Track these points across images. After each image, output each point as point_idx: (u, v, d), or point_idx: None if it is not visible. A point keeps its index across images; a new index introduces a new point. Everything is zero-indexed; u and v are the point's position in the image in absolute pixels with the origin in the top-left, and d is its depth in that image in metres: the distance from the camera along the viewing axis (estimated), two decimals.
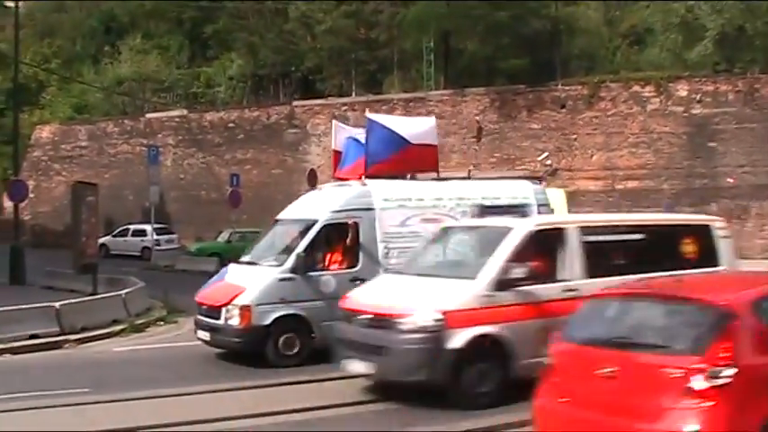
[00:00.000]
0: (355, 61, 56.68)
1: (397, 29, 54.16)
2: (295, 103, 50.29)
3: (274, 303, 16.14)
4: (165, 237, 46.04)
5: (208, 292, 17.30)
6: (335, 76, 57.36)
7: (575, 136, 42.18)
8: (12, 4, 48.65)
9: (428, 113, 44.55)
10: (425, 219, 17.30)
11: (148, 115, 54.82)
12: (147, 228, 44.97)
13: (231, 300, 16.26)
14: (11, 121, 44.28)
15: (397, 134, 19.45)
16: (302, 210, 18.41)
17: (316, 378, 14.53)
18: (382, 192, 17.47)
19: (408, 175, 19.75)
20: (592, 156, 41.83)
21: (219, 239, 43.44)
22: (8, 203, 43.85)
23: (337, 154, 21.08)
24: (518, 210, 16.48)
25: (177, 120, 53.17)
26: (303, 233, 17.03)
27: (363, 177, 18.14)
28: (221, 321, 16.33)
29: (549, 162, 42.30)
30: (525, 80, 45.47)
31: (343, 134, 21.06)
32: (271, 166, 49.04)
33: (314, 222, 16.99)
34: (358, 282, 15.66)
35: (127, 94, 59.49)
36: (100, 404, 13.06)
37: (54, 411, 12.56)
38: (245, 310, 16.01)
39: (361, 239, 16.96)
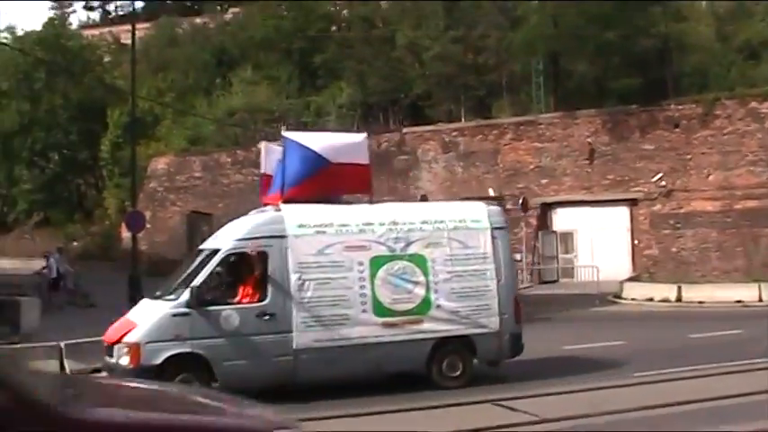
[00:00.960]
0: (464, 86, 56.59)
1: (505, 52, 53.87)
2: (405, 129, 50.36)
3: (167, 341, 14.80)
4: None
5: (110, 329, 15.99)
6: (444, 101, 57.35)
7: (689, 156, 41.22)
8: (128, 42, 50.09)
9: (539, 137, 44.28)
10: (349, 246, 15.88)
11: (260, 145, 55.46)
12: None
13: (122, 337, 15.14)
14: (128, 153, 45.36)
15: (316, 153, 17.37)
16: (213, 238, 17.15)
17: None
18: (297, 217, 16.02)
19: (343, 198, 18.06)
20: (708, 175, 40.80)
21: None
22: (126, 234, 44.82)
23: (268, 178, 18.96)
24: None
25: None
26: (203, 264, 15.73)
27: (281, 203, 16.61)
28: (114, 360, 15.15)
29: (663, 183, 41.40)
30: (637, 100, 44.73)
31: (273, 156, 18.88)
32: (382, 193, 48.70)
33: (215, 252, 15.80)
34: (266, 317, 15.12)
35: (239, 125, 60.41)
36: None
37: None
38: (133, 348, 14.81)
39: (270, 270, 15.51)
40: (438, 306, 16.23)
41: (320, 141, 18.00)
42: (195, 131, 63.57)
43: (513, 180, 44.92)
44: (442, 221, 16.74)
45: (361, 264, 15.86)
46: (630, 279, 37.07)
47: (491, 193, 44.71)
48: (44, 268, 35.68)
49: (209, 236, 27.41)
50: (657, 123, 42.10)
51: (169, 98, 67.06)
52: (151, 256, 52.88)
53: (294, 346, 15.34)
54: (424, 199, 40.41)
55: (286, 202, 16.59)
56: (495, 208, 18.06)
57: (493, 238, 16.83)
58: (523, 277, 42.15)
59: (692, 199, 40.66)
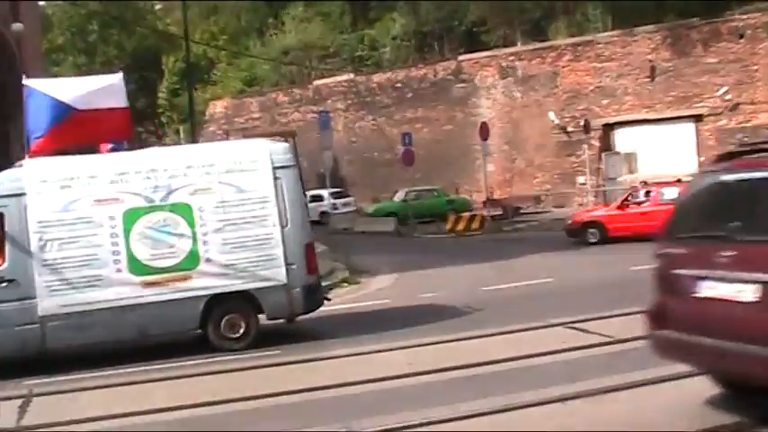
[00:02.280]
0: (519, 10, 55.50)
1: None
2: (461, 57, 49.75)
3: None
4: (342, 200, 46.55)
5: None
6: (500, 26, 56.35)
7: (756, 67, 40.05)
8: None
9: (597, 57, 43.44)
10: (99, 200, 14.33)
11: (316, 82, 55.40)
12: (324, 192, 45.49)
13: None
14: (186, 99, 45.51)
15: (58, 101, 15.89)
16: None
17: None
18: (39, 172, 14.48)
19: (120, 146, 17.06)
20: None
21: (395, 199, 43.68)
22: None
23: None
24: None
25: (345, 84, 53.52)
26: None
27: (28, 157, 15.23)
28: None
29: (728, 97, 40.40)
30: (698, 12, 43.42)
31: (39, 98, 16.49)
32: (441, 122, 48.77)
33: None
34: (4, 283, 14.00)
35: (293, 63, 60.23)
36: (291, 365, 13.16)
37: (250, 372, 12.77)
38: None
39: (7, 232, 14.15)
40: (208, 260, 14.60)
41: (65, 88, 16.72)
42: (250, 73, 63.60)
43: (574, 102, 44.25)
44: (211, 165, 14.94)
45: (112, 218, 14.32)
46: None
47: (551, 116, 44.14)
48: None
49: None
50: (720, 35, 40.92)
51: (223, 41, 67.00)
52: None
53: (39, 313, 14.06)
54: (484, 127, 39.90)
55: (35, 155, 15.40)
56: (280, 145, 16.05)
57: (275, 178, 14.94)
58: (588, 199, 41.76)
59: (760, 112, 39.61)
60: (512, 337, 13.91)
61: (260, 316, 15.21)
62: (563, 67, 44.74)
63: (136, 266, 14.36)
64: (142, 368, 13.77)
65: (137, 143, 71.26)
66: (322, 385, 11.36)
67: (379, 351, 13.52)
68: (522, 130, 45.62)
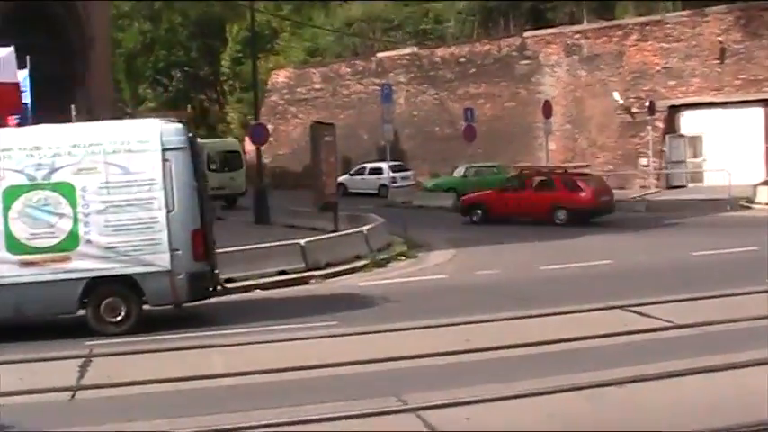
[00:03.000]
0: None
1: None
2: (526, 33, 49.23)
3: None
4: (401, 174, 46.46)
5: None
6: (566, 3, 55.70)
7: None
8: None
9: (665, 37, 42.72)
10: None
11: (379, 54, 55.21)
12: (383, 165, 45.37)
13: None
14: (248, 68, 45.61)
15: None
16: None
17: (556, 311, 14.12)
18: None
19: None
20: None
21: (455, 175, 43.48)
22: (250, 147, 45.36)
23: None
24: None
25: (408, 57, 53.28)
26: None
27: None
28: None
29: None
30: None
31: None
32: (504, 99, 48.37)
33: None
34: None
35: (357, 35, 60.10)
36: (348, 336, 13.21)
37: (309, 342, 12.85)
38: None
39: None
40: (89, 241, 14.14)
41: None
42: (314, 43, 63.53)
43: (639, 83, 43.58)
44: (98, 144, 14.33)
45: None
46: (764, 183, 35.70)
47: (616, 96, 43.57)
48: None
49: (334, 146, 27.69)
50: None
51: (286, 11, 67.03)
52: (274, 168, 53.54)
53: None
54: (547, 105, 39.52)
55: None
56: (172, 126, 15.09)
57: (164, 161, 14.31)
58: (650, 182, 41.26)
59: None
60: (569, 317, 13.84)
61: None
62: (629, 46, 44.06)
63: (13, 245, 14.09)
64: (202, 333, 13.91)
65: (199, 111, 72.20)
66: (377, 357, 11.38)
67: (437, 326, 13.52)
68: (585, 110, 45.10)
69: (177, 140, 14.59)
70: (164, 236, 14.29)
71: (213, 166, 40.62)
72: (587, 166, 35.75)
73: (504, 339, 12.17)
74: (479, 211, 31.85)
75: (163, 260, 14.31)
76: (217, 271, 15.66)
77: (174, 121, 15.35)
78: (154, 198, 14.25)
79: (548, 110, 39.18)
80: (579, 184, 30.59)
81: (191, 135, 15.03)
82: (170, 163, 14.35)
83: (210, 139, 50.46)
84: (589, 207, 30.04)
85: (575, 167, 34.70)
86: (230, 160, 43.77)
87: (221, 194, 38.61)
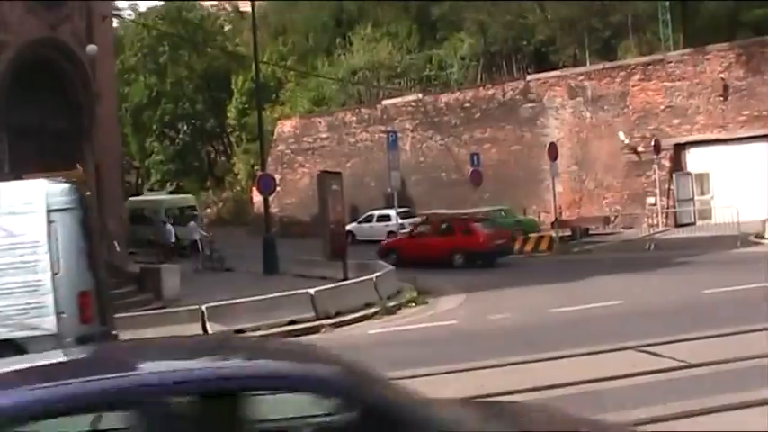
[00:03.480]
0: (588, 29, 55.24)
1: None
2: (529, 77, 49.55)
3: None
4: (409, 220, 46.35)
5: None
6: (568, 46, 56.14)
7: None
8: (247, 9, 50.46)
9: (668, 76, 42.93)
10: None
11: (384, 102, 55.55)
12: (391, 212, 45.44)
13: None
14: (254, 119, 45.89)
15: None
16: None
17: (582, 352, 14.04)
18: None
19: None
20: None
21: None
22: (257, 197, 45.43)
23: None
24: None
25: (413, 104, 53.58)
26: None
27: None
28: None
29: None
30: None
31: None
32: (509, 142, 48.52)
33: None
34: None
35: (362, 83, 60.52)
36: None
37: None
38: None
39: None
40: None
41: None
42: (318, 92, 64.03)
43: (644, 122, 43.74)
44: None
45: None
46: None
47: (621, 136, 43.69)
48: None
49: (341, 195, 27.75)
50: None
51: (291, 61, 67.62)
52: (282, 218, 53.71)
53: None
54: (553, 147, 39.59)
55: None
56: (59, 186, 14.33)
57: (49, 222, 13.77)
58: (658, 221, 41.21)
59: None
60: (581, 359, 13.75)
61: None
62: (633, 86, 44.28)
63: None
64: None
65: (206, 163, 72.47)
66: None
67: (449, 372, 13.44)
68: (591, 151, 45.22)
69: (63, 201, 14.00)
70: (49, 299, 13.72)
71: (171, 220, 42.25)
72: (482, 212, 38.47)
73: (516, 384, 12.08)
74: (394, 255, 33.11)
75: (49, 323, 13.68)
76: (115, 332, 14.99)
77: (62, 182, 14.67)
78: (39, 260, 13.74)
79: (553, 152, 39.24)
80: (474, 229, 33.42)
81: (79, 195, 14.32)
82: (55, 224, 13.81)
83: (169, 196, 52.09)
84: (482, 250, 32.53)
85: (473, 214, 37.74)
86: (186, 215, 45.18)
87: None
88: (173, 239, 35.98)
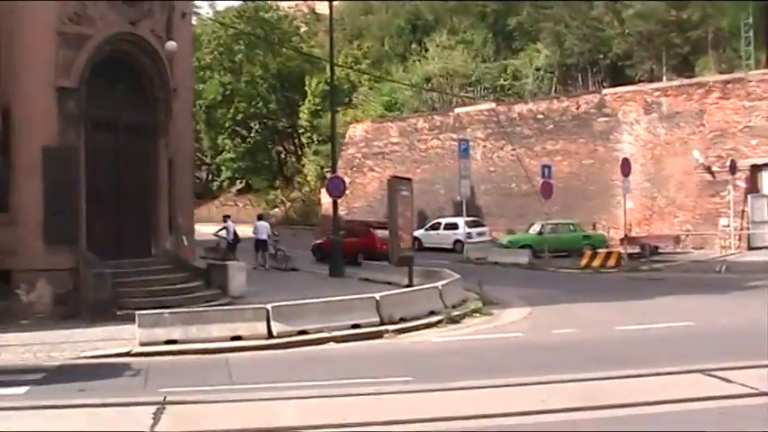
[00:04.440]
0: (666, 44, 54.50)
1: (711, 7, 51.51)
2: (604, 90, 49.04)
3: None
4: (477, 229, 46.29)
5: None
6: (645, 60, 55.45)
7: None
8: (323, 11, 50.76)
9: (748, 95, 42.13)
10: None
11: (457, 110, 55.39)
12: (459, 221, 45.36)
13: None
14: (326, 121, 46.03)
15: None
16: None
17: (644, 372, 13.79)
18: None
19: None
20: None
21: (531, 231, 43.23)
22: (325, 199, 45.58)
23: None
24: None
25: (485, 113, 53.34)
26: None
27: None
28: None
29: None
30: None
31: None
32: (581, 156, 48.05)
33: None
34: None
35: (435, 90, 60.43)
36: (421, 393, 13.05)
37: (381, 398, 12.71)
38: None
39: None
40: None
41: None
42: (392, 97, 64.05)
43: (720, 141, 42.96)
44: None
45: None
46: None
47: (696, 155, 42.99)
48: (222, 228, 36.89)
49: (411, 201, 27.69)
50: None
51: (365, 65, 67.75)
52: (350, 221, 53.75)
53: None
54: (626, 163, 39.06)
55: None
56: None
57: None
58: (731, 242, 40.47)
59: None
60: (647, 380, 13.50)
61: None
62: (710, 104, 43.52)
63: None
64: (276, 385, 13.87)
65: (276, 162, 72.92)
66: (451, 415, 11.22)
67: (511, 385, 13.30)
68: (664, 168, 44.56)
69: None
70: None
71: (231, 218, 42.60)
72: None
73: (579, 401, 11.91)
74: (320, 253, 39.99)
75: None
76: None
77: None
78: None
79: (626, 168, 38.74)
80: (371, 233, 40.02)
81: None
82: None
83: None
84: (376, 251, 37.42)
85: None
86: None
87: None
88: (232, 237, 36.26)
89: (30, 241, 22.95)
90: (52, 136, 23.40)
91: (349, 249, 36.94)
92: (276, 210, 66.35)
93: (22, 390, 14.22)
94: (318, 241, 42.57)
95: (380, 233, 37.77)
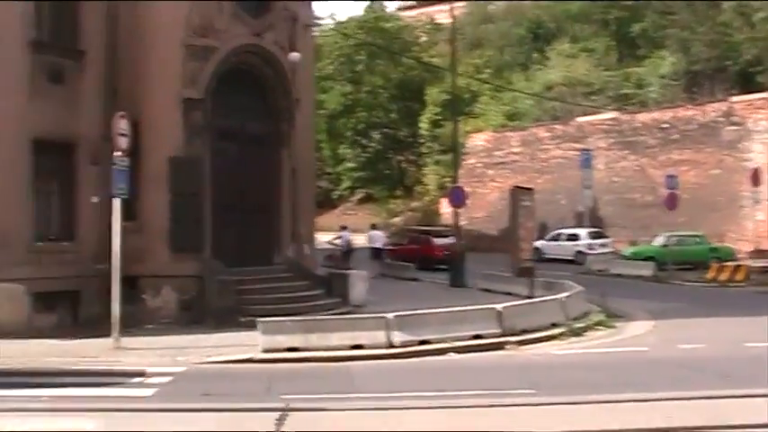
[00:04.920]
0: None
1: None
2: (733, 98, 47.70)
3: None
4: (599, 241, 45.56)
5: None
6: None
7: None
8: (444, 21, 50.76)
9: None
10: None
11: (579, 119, 54.68)
12: (581, 232, 44.75)
13: None
14: (447, 130, 45.98)
15: None
16: None
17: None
18: None
19: None
20: None
21: (655, 243, 42.26)
22: (446, 209, 45.55)
23: None
24: None
25: (609, 122, 52.52)
26: None
27: None
28: None
29: None
30: None
31: None
32: (708, 166, 46.81)
33: None
34: None
35: (557, 99, 59.76)
36: (545, 406, 12.83)
37: (507, 410, 12.55)
38: None
39: None
40: None
41: None
42: (512, 107, 63.61)
43: None
44: None
45: None
46: None
47: None
48: (338, 237, 37.17)
49: (532, 211, 27.45)
50: None
51: (486, 74, 67.46)
52: (470, 231, 53.57)
53: None
54: (756, 174, 37.93)
55: None
56: None
57: None
58: None
59: None
60: None
61: None
62: None
63: None
64: (400, 394, 13.82)
65: (397, 172, 73.18)
66: (575, 430, 11.03)
67: (637, 400, 12.96)
68: None
69: None
70: None
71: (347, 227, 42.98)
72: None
73: (706, 419, 11.52)
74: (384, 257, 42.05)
75: None
76: None
77: None
78: None
79: (757, 178, 37.58)
80: (430, 241, 43.53)
81: None
82: None
83: None
84: (434, 258, 40.74)
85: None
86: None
87: None
88: (345, 246, 36.66)
89: (156, 249, 23.57)
90: (178, 146, 23.99)
91: (410, 255, 42.03)
92: (396, 219, 66.57)
93: (150, 392, 14.58)
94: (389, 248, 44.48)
95: (439, 241, 42.58)
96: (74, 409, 12.98)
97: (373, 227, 40.49)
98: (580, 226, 44.87)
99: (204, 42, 24.56)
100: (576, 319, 22.71)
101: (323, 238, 38.41)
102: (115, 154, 19.53)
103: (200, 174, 24.21)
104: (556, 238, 47.14)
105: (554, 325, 21.66)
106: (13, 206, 22.02)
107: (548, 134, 55.61)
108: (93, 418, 12.32)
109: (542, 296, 24.46)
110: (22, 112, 22.10)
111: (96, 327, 20.82)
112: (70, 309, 22.94)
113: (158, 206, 23.76)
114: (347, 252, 36.81)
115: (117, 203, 19.47)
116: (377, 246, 38.83)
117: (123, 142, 19.73)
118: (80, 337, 20.49)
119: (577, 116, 55.68)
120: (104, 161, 21.39)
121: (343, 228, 38.98)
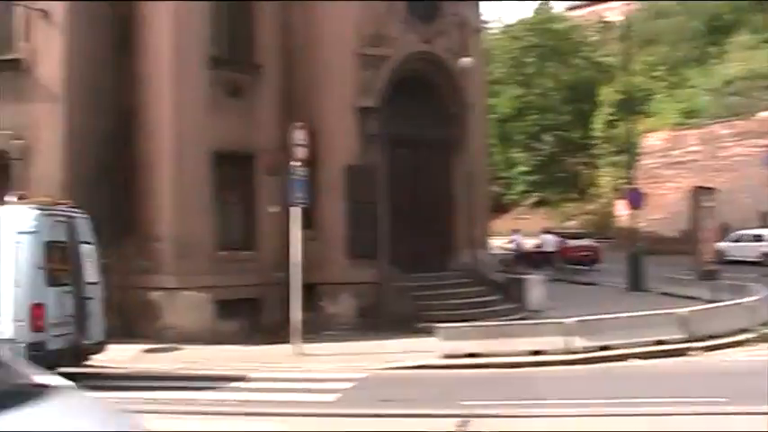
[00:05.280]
0: None
1: None
2: None
3: None
4: None
5: None
6: None
7: None
8: (613, 19, 49.79)
9: None
10: None
11: (761, 114, 52.56)
12: (766, 232, 42.99)
13: None
14: (621, 131, 45.02)
15: None
16: None
17: None
18: None
19: None
20: None
21: None
22: (621, 211, 44.62)
23: None
24: None
25: None
26: None
27: None
28: None
29: None
30: None
31: None
32: None
33: None
34: None
35: (737, 94, 57.62)
36: (743, 415, 12.31)
37: (698, 418, 12.14)
38: None
39: None
40: None
41: None
42: (689, 104, 61.76)
43: None
44: None
45: None
46: None
47: None
48: (510, 242, 36.82)
49: (714, 212, 26.57)
50: None
51: (660, 72, 65.79)
52: (648, 234, 52.24)
53: None
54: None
55: None
56: (28, 211, 15.84)
57: (17, 243, 15.38)
58: None
59: None
60: None
61: None
62: None
63: None
64: (586, 401, 13.58)
65: (570, 174, 72.39)
66: None
67: None
68: None
69: (27, 225, 15.64)
70: (9, 308, 15.20)
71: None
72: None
73: None
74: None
75: (7, 329, 15.01)
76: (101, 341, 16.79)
77: (32, 206, 16.04)
78: (3, 275, 15.35)
79: None
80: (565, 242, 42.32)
81: (43, 220, 15.86)
82: (21, 245, 15.48)
83: None
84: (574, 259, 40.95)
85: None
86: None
87: None
88: (516, 249, 36.41)
89: (334, 256, 23.94)
90: (354, 154, 24.32)
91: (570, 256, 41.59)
92: (571, 222, 65.66)
93: (332, 397, 14.79)
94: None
95: (573, 243, 42.75)
96: (259, 413, 13.34)
97: (546, 231, 40.02)
98: (765, 226, 43.05)
99: (377, 51, 24.84)
100: (765, 324, 21.75)
101: (496, 243, 38.24)
102: (293, 164, 19.93)
103: (375, 181, 24.47)
104: (739, 239, 45.35)
105: (741, 330, 20.82)
106: (197, 217, 22.75)
107: (728, 131, 53.66)
108: (278, 422, 12.61)
109: (727, 300, 23.55)
110: (203, 127, 22.84)
111: (276, 333, 21.23)
112: (251, 316, 23.48)
113: (335, 214, 24.13)
114: (519, 256, 36.51)
115: (297, 212, 19.87)
116: (549, 250, 38.28)
117: (301, 152, 20.13)
118: (261, 344, 20.99)
119: (759, 111, 53.51)
120: (282, 171, 21.82)
121: (516, 231, 38.68)
